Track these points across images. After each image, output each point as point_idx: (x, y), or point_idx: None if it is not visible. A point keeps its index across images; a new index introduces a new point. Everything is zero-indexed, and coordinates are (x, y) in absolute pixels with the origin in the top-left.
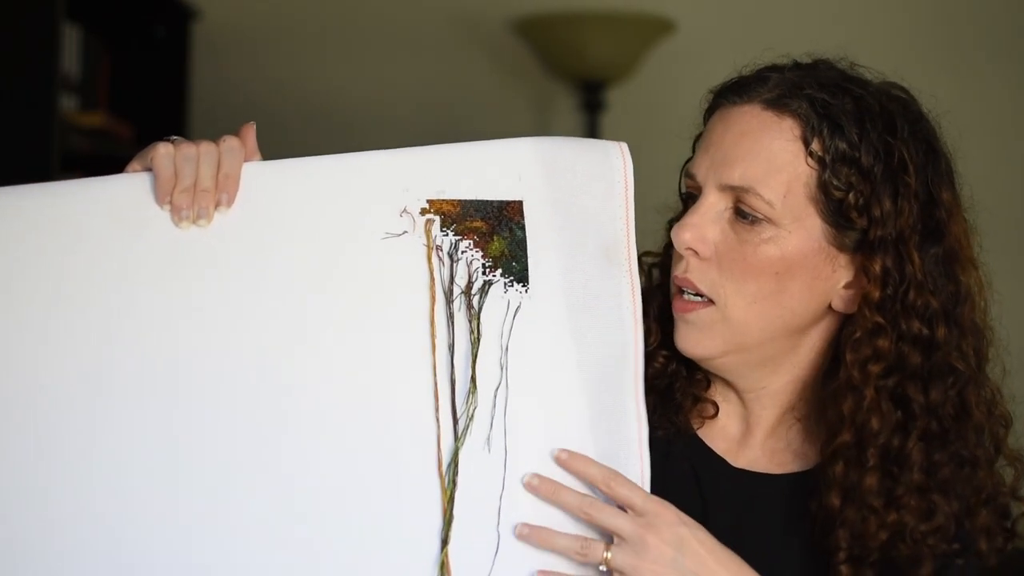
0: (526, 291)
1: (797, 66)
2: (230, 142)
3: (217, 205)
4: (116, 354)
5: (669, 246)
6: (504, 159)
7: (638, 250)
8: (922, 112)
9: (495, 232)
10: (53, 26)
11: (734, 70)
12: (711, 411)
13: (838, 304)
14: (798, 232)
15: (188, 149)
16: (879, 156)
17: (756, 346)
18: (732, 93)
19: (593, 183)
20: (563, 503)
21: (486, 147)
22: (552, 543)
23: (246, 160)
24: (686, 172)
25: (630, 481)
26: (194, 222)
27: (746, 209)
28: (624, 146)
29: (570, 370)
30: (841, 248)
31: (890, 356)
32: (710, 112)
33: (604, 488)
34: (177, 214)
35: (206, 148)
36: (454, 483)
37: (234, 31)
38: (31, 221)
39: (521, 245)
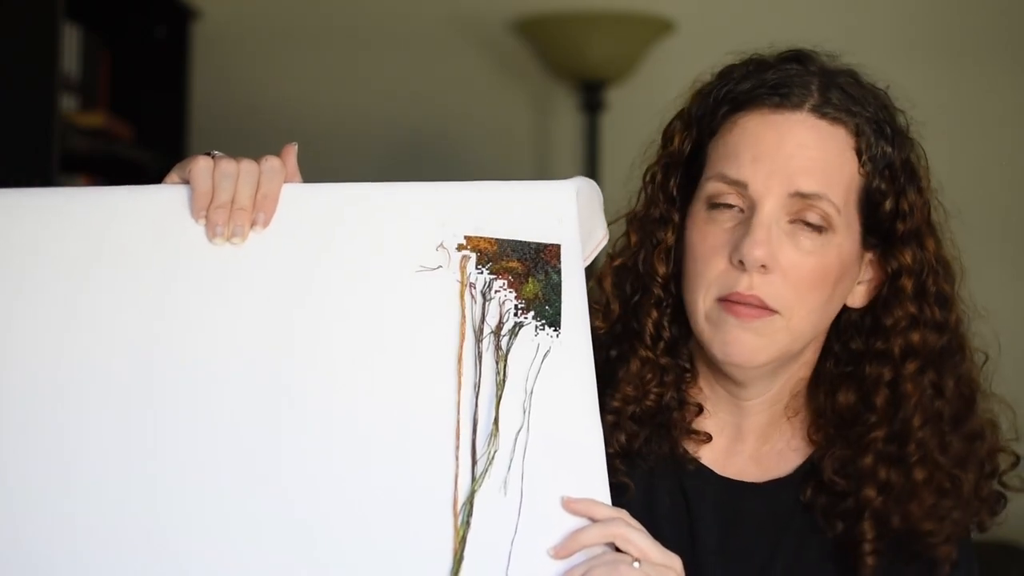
0: (557, 336)
1: (789, 60)
2: (271, 162)
3: (253, 224)
4: (137, 365)
5: (655, 251)
6: (545, 201)
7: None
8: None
9: (531, 274)
10: (53, 26)
11: (715, 65)
12: (704, 440)
13: (854, 300)
14: (848, 239)
15: (228, 166)
16: (903, 153)
17: (798, 351)
18: (771, 97)
19: (588, 243)
20: (588, 542)
21: (529, 187)
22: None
23: (286, 181)
24: (726, 178)
25: (636, 522)
26: (228, 239)
27: (812, 218)
28: (607, 237)
29: (592, 418)
30: (867, 247)
31: (921, 348)
32: (730, 112)
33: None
34: (212, 230)
35: (246, 166)
36: (467, 523)
37: (234, 31)
38: (62, 225)
39: (556, 289)
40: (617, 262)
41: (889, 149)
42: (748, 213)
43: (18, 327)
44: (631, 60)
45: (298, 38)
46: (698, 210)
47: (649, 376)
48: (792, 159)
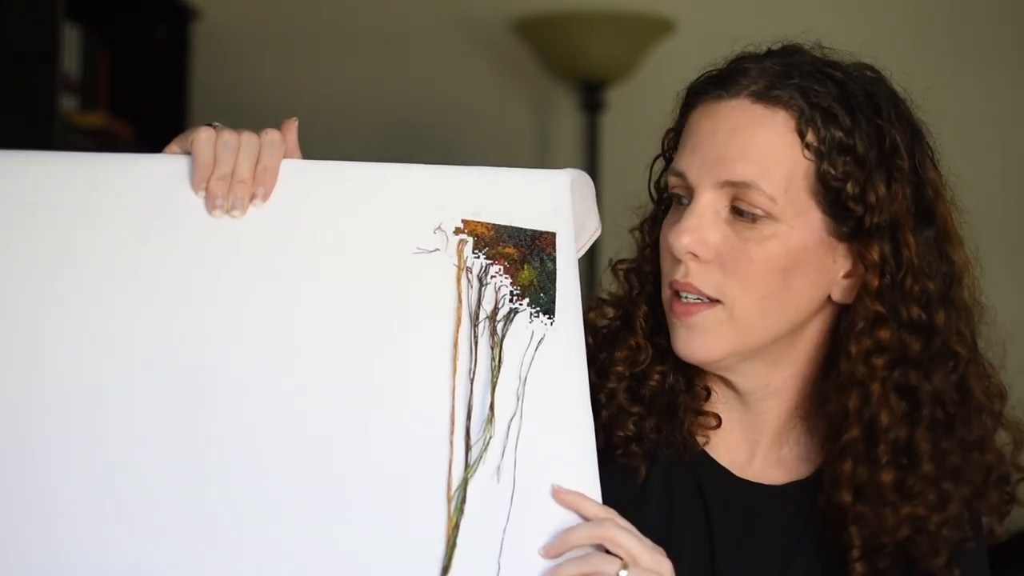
0: (551, 323)
1: (772, 54)
2: (272, 135)
3: (252, 198)
4: (132, 337)
5: (649, 250)
6: (542, 189)
7: (616, 255)
8: (895, 90)
9: (526, 260)
10: (53, 26)
11: (707, 65)
12: (713, 423)
13: (838, 295)
14: (800, 227)
15: (230, 137)
16: (872, 141)
17: (760, 345)
18: (714, 87)
19: (581, 235)
20: (576, 543)
21: (527, 174)
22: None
23: (286, 156)
24: (672, 171)
25: (627, 523)
26: (227, 212)
27: (745, 207)
28: (599, 228)
29: (583, 407)
30: (840, 238)
31: (893, 346)
32: (687, 108)
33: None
34: (211, 202)
35: (247, 138)
36: (460, 510)
37: (234, 31)
38: (63, 189)
39: (551, 277)
40: (624, 265)
41: (840, 134)
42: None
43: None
44: (631, 60)
45: (298, 38)
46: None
47: (643, 357)
48: (724, 146)
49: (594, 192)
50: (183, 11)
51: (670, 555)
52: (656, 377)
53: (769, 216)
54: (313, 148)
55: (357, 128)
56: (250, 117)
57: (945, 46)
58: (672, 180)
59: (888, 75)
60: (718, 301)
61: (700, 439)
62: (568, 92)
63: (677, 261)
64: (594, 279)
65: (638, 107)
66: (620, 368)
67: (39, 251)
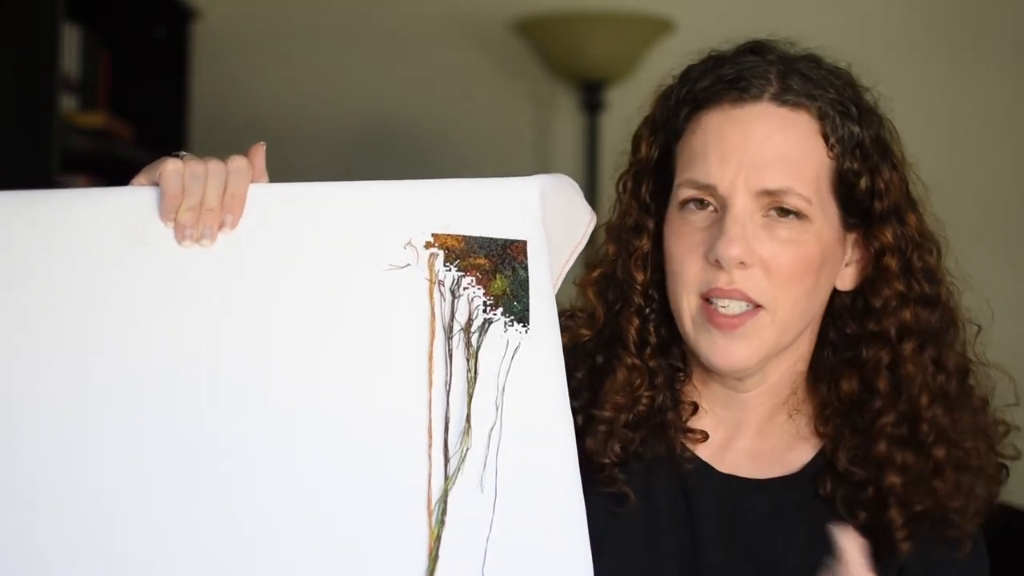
0: (526, 331)
1: (752, 52)
2: (238, 162)
3: (221, 226)
4: (110, 366)
5: (631, 259)
6: (511, 198)
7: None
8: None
9: (498, 270)
10: (53, 26)
11: (677, 69)
12: (700, 438)
13: (843, 283)
14: (826, 224)
15: (197, 167)
16: (872, 131)
17: (788, 343)
18: (731, 91)
19: (564, 246)
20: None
21: (494, 184)
22: None
23: (253, 181)
24: (693, 183)
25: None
26: (197, 241)
27: (790, 207)
28: (594, 218)
29: (563, 414)
30: (849, 228)
31: (914, 325)
32: (694, 111)
33: None
34: (181, 232)
35: (214, 167)
36: (442, 522)
37: (234, 31)
38: (34, 226)
39: (523, 285)
40: (596, 272)
41: (856, 129)
42: (721, 212)
43: None
44: (631, 60)
45: (298, 38)
46: (673, 214)
47: (638, 382)
48: (757, 154)
49: (577, 188)
50: (183, 11)
51: (653, 551)
52: (645, 401)
53: (805, 217)
54: (313, 148)
55: (357, 128)
56: (249, 117)
57: (943, 45)
58: (693, 192)
59: (858, 74)
60: (760, 306)
61: (688, 445)
62: (568, 92)
63: (714, 269)
64: None
65: (638, 107)
66: (619, 398)
67: (7, 287)
